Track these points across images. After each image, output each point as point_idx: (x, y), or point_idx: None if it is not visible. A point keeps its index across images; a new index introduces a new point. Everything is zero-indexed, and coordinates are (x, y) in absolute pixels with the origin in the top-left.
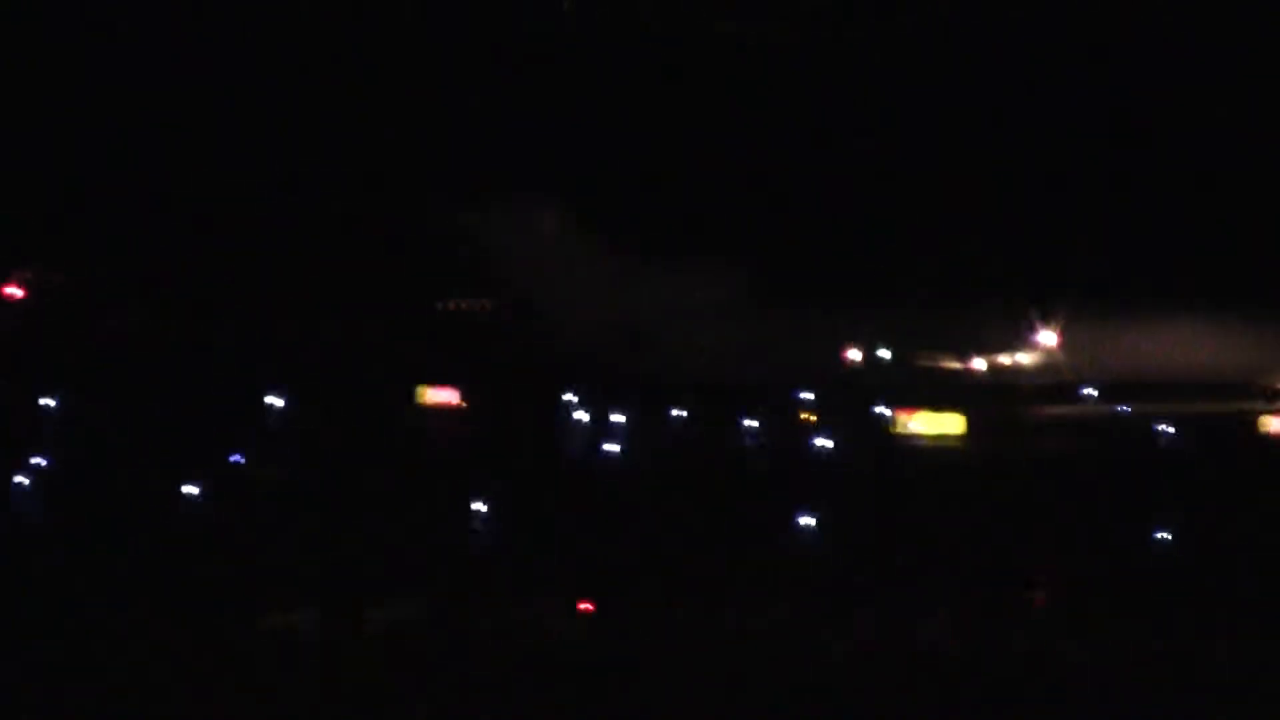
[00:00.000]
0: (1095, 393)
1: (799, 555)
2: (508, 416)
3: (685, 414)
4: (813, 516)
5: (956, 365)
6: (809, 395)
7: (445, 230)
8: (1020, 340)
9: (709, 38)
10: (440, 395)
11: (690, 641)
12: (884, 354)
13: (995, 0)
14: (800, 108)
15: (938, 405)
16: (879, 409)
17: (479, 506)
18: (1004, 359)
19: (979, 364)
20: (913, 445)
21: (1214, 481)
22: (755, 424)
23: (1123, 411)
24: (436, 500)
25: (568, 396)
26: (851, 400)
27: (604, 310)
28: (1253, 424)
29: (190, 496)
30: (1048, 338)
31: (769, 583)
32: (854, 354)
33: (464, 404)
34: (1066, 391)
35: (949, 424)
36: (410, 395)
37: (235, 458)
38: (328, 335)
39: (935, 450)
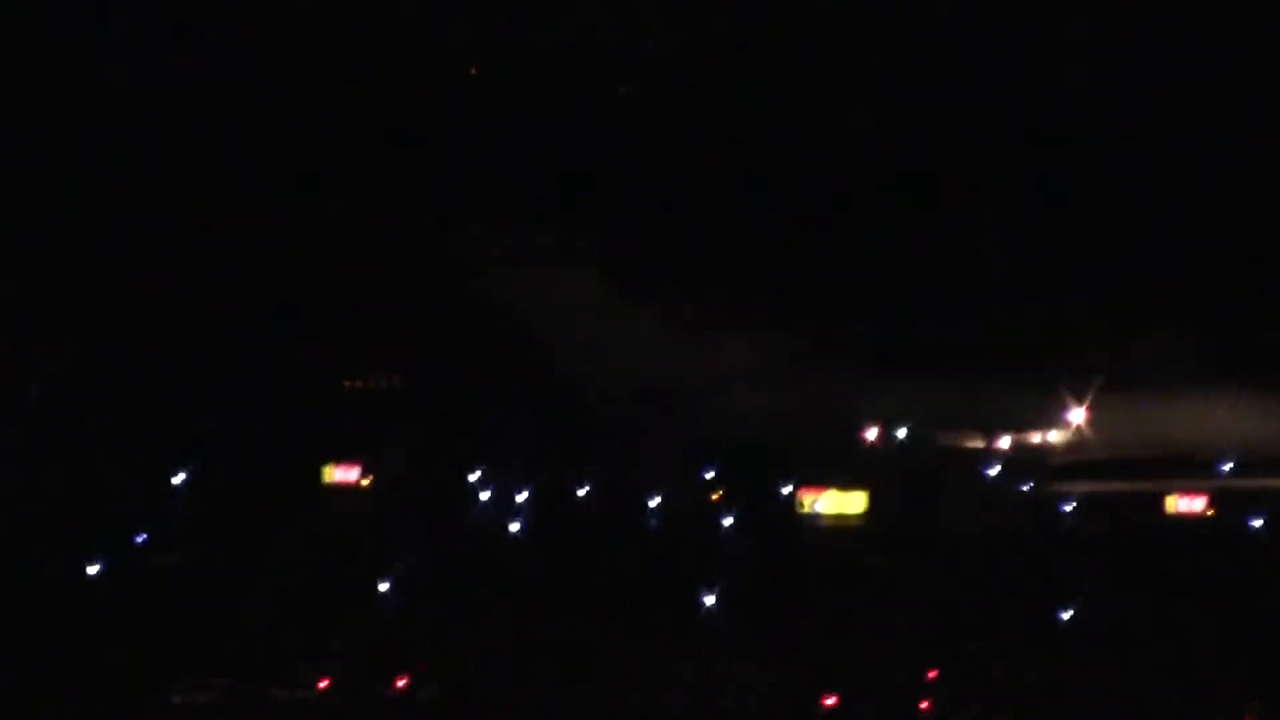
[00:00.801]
0: (998, 469)
1: (700, 632)
2: (413, 495)
3: (589, 490)
4: (713, 594)
5: (980, 443)
6: (712, 474)
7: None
8: (1048, 417)
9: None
10: (345, 474)
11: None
12: (902, 433)
13: (1046, 63)
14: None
15: (843, 484)
16: (783, 488)
17: (384, 586)
18: (1031, 437)
19: (1003, 442)
20: (814, 525)
21: (1116, 558)
22: (657, 502)
23: (1025, 488)
24: (341, 579)
25: (473, 475)
26: (756, 479)
27: (632, 374)
28: (1159, 503)
29: (92, 576)
30: (1076, 415)
31: (671, 658)
32: (872, 433)
33: (367, 482)
34: (970, 468)
35: (851, 503)
36: (315, 474)
37: (139, 538)
38: (234, 414)
39: (835, 530)
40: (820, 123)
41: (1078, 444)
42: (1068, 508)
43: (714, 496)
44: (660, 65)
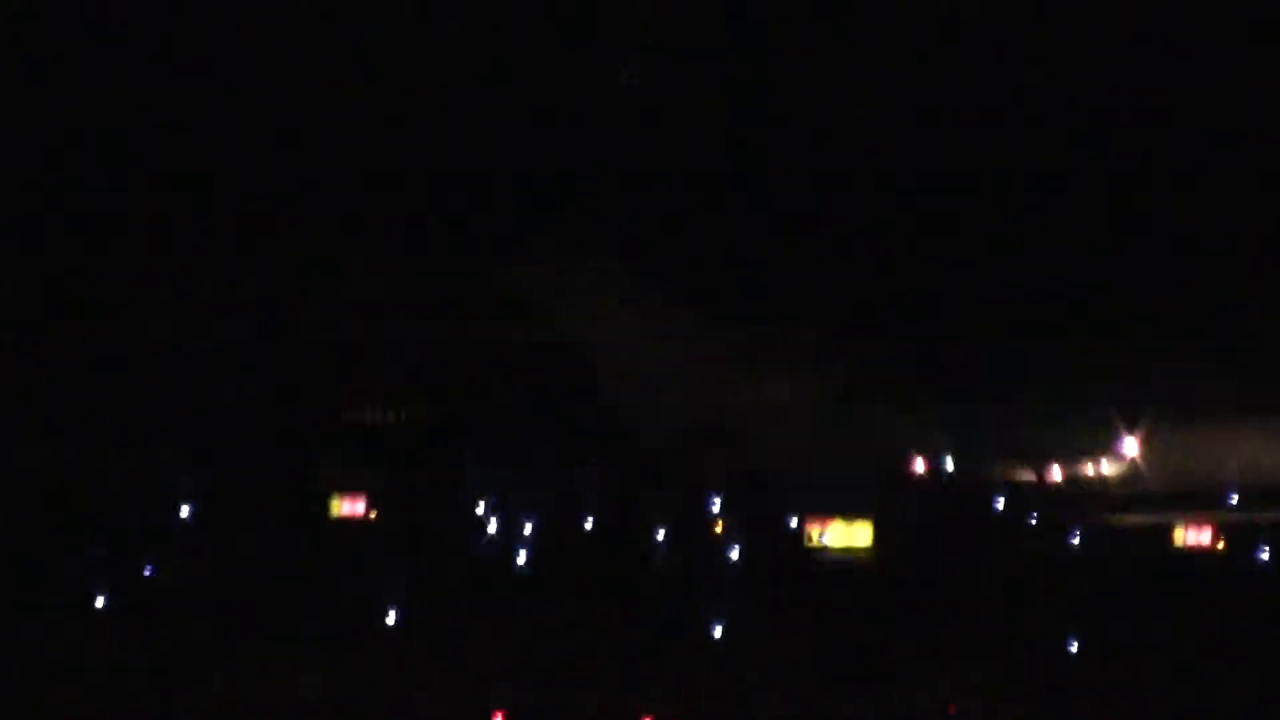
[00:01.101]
0: (1002, 501)
1: (705, 668)
2: (419, 528)
3: (594, 523)
4: (719, 629)
5: (1031, 477)
6: (716, 506)
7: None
8: (1103, 449)
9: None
10: (352, 506)
11: None
12: (950, 465)
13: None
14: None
15: (848, 515)
16: (789, 520)
17: (391, 616)
18: (1086, 469)
19: (1056, 475)
20: (820, 559)
21: (1124, 591)
22: (662, 536)
23: (1030, 520)
24: (348, 613)
25: (479, 508)
26: (760, 511)
27: (679, 406)
28: (1169, 535)
29: (99, 608)
30: (1131, 446)
31: (676, 696)
32: (919, 465)
33: (374, 515)
34: (977, 499)
35: (857, 536)
36: (324, 507)
37: (146, 570)
38: (240, 445)
39: (842, 564)
40: (844, 142)
41: (1132, 476)
42: (1075, 539)
43: (716, 529)
44: (662, 64)
